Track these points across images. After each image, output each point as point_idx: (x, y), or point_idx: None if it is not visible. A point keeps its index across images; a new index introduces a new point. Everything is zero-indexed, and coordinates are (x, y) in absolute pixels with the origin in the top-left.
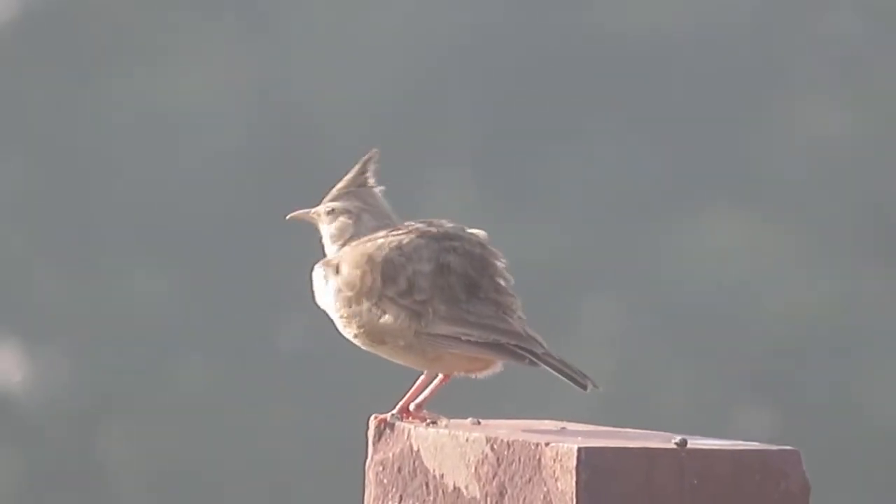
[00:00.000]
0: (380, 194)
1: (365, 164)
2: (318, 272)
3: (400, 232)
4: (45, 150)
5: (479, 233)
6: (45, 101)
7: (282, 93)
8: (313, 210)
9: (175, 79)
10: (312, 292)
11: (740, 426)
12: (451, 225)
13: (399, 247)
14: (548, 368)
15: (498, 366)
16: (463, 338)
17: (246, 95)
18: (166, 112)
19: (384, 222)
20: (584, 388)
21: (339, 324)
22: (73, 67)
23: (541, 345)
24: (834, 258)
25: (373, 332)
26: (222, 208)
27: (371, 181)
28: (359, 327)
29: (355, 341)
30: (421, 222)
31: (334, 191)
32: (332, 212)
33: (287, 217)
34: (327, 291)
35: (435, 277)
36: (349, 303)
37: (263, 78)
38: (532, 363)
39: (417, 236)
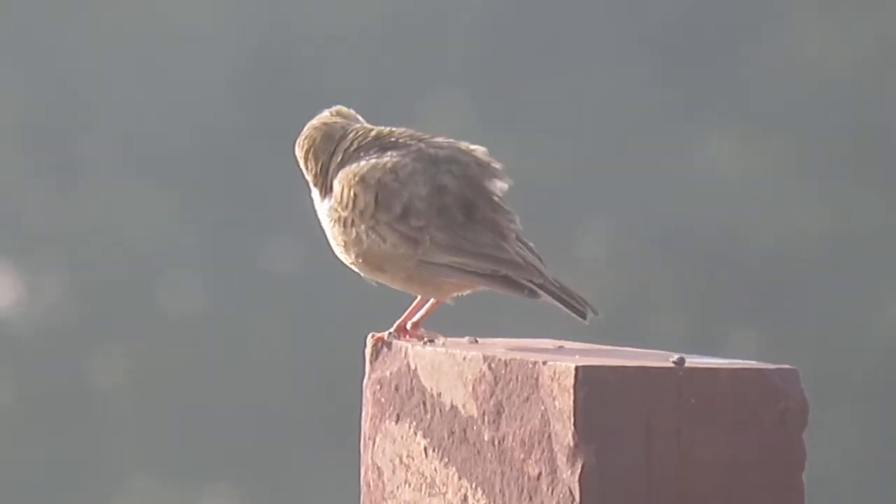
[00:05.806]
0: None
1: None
2: (315, 192)
3: (396, 153)
4: (35, 70)
5: (478, 149)
6: (38, 22)
7: (276, 15)
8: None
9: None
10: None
11: (734, 347)
12: (446, 142)
13: (394, 170)
14: (547, 298)
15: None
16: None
17: (240, 18)
18: (160, 33)
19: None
20: (584, 316)
21: (337, 249)
22: None
23: (540, 273)
24: (827, 179)
25: (372, 260)
26: (214, 130)
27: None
28: (357, 255)
29: (353, 268)
30: (419, 140)
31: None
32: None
33: None
34: (322, 213)
35: (431, 198)
36: (345, 226)
37: (258, 1)
38: (532, 294)
39: (413, 160)
